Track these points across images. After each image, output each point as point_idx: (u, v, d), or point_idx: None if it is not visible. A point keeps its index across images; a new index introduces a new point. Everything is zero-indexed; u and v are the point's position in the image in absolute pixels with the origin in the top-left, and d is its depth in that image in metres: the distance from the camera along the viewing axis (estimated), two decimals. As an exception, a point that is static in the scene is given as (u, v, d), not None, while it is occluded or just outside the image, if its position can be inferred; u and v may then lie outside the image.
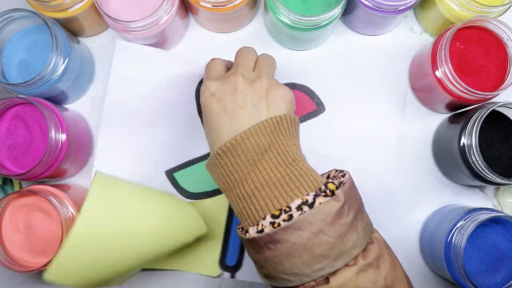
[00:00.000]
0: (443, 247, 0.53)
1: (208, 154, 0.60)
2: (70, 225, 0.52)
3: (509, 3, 0.54)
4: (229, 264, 0.59)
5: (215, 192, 0.60)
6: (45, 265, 0.51)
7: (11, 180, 0.61)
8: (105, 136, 0.59)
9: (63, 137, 0.54)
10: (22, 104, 0.56)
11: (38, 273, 0.59)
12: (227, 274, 0.59)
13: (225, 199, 0.58)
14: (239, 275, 0.59)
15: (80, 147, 0.58)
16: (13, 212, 0.55)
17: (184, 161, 0.60)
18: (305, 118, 0.61)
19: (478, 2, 0.53)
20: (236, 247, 0.59)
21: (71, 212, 0.53)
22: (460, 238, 0.51)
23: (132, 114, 0.59)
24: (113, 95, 0.59)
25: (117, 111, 0.59)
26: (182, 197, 0.60)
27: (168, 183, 0.60)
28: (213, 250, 0.59)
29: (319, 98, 0.61)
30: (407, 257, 0.60)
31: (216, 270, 0.59)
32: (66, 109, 0.59)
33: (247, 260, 0.59)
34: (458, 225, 0.52)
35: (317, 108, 0.61)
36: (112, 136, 0.59)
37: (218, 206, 0.59)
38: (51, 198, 0.52)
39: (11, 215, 0.55)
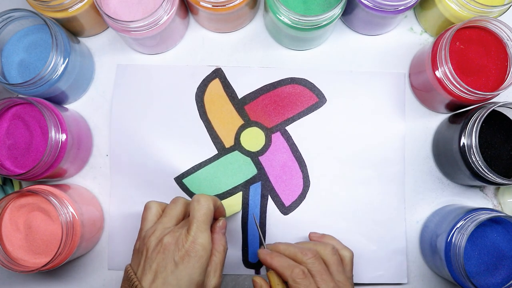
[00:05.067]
0: (443, 247, 0.53)
1: (214, 156, 0.60)
2: (70, 225, 0.52)
3: (509, 3, 0.54)
4: (252, 261, 0.60)
5: (226, 194, 0.60)
6: (45, 265, 0.51)
7: (11, 180, 0.61)
8: (115, 154, 0.61)
9: (63, 137, 0.54)
10: (22, 104, 0.56)
11: (38, 273, 0.59)
12: (251, 271, 0.60)
13: (238, 200, 0.60)
14: (263, 270, 0.60)
15: (80, 147, 0.58)
16: (13, 212, 0.55)
17: (192, 166, 0.60)
18: (307, 111, 0.61)
19: (478, 2, 0.53)
20: (256, 244, 0.60)
21: (71, 212, 0.53)
22: (460, 238, 0.51)
23: (138, 129, 0.61)
24: (118, 115, 0.61)
25: (124, 128, 0.61)
26: None
27: (179, 190, 0.60)
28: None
29: (319, 90, 0.61)
30: (407, 257, 0.60)
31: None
32: (66, 109, 0.59)
33: None
34: (458, 225, 0.52)
35: (319, 100, 0.61)
36: (122, 152, 0.61)
37: (231, 208, 0.60)
38: (51, 198, 0.52)
39: (11, 215, 0.55)
